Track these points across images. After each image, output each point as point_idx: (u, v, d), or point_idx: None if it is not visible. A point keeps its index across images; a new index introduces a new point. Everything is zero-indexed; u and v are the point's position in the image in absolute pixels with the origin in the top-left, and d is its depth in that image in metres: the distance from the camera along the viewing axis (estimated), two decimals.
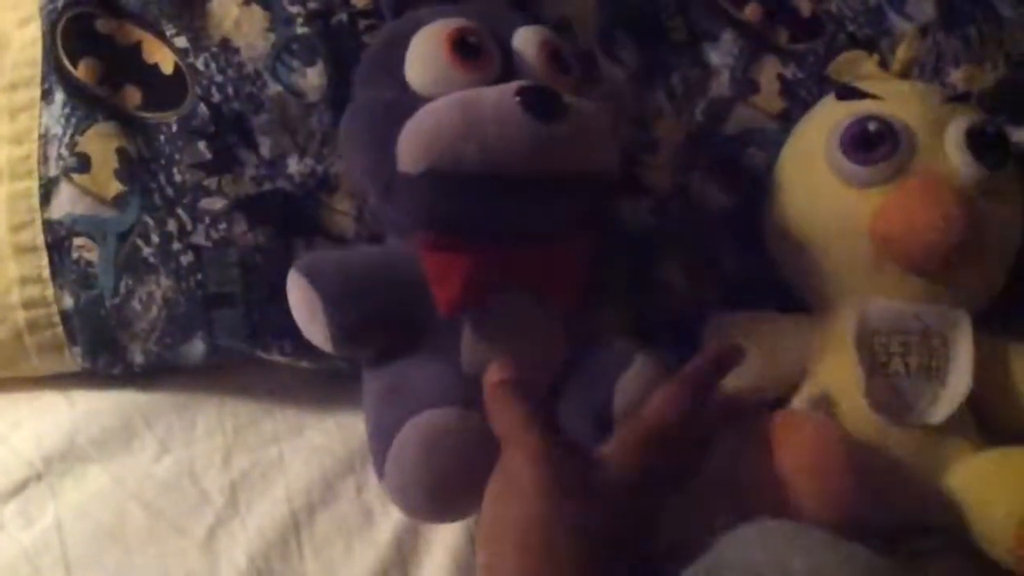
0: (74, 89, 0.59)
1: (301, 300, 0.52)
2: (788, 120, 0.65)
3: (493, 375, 0.47)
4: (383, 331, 0.53)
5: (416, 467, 0.47)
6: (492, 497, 0.44)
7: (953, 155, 0.56)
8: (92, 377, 0.61)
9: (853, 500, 0.50)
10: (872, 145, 0.56)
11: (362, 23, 0.60)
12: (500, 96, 0.49)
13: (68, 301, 0.58)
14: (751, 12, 0.67)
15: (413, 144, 0.49)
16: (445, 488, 0.47)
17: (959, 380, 0.56)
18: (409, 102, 0.50)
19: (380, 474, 0.49)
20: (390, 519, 0.55)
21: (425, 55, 0.51)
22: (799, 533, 0.43)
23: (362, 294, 0.51)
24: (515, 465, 0.44)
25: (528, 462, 0.43)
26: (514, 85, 0.49)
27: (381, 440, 0.49)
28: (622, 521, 0.43)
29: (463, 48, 0.51)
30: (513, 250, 0.52)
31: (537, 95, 0.49)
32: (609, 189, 0.56)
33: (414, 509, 0.49)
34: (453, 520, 0.52)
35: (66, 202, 0.58)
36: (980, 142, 0.56)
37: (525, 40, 0.54)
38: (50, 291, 0.58)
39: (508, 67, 0.52)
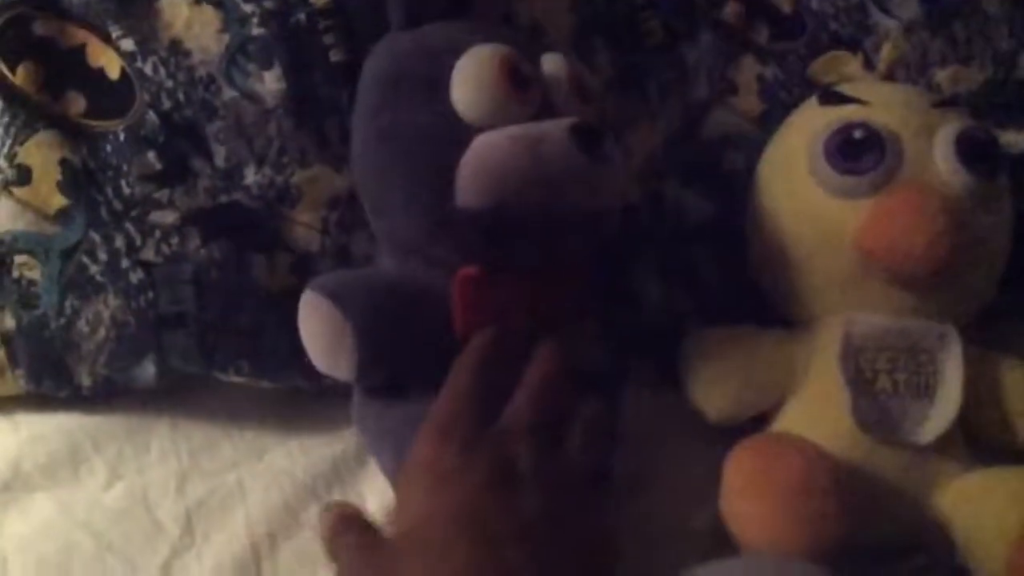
0: (12, 96, 0.56)
1: (324, 324, 0.48)
2: (767, 123, 0.63)
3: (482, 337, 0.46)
4: (407, 359, 0.50)
5: None
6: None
7: (942, 164, 0.54)
8: (37, 400, 0.58)
9: (838, 523, 0.49)
10: (858, 154, 0.54)
11: (322, 23, 0.57)
12: (559, 134, 0.48)
13: (9, 322, 0.56)
14: (731, 10, 0.64)
15: (480, 179, 0.47)
16: None
17: (948, 399, 0.54)
18: (458, 131, 0.48)
19: None
20: None
21: (478, 81, 0.48)
22: (782, 568, 0.43)
23: (394, 319, 0.49)
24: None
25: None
26: (567, 122, 0.48)
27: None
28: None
29: (516, 78, 0.49)
30: (533, 281, 0.51)
31: (588, 133, 0.48)
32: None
33: None
34: None
35: (5, 218, 0.55)
36: (970, 150, 0.54)
37: (554, 68, 0.52)
38: None
39: (545, 98, 0.51)
